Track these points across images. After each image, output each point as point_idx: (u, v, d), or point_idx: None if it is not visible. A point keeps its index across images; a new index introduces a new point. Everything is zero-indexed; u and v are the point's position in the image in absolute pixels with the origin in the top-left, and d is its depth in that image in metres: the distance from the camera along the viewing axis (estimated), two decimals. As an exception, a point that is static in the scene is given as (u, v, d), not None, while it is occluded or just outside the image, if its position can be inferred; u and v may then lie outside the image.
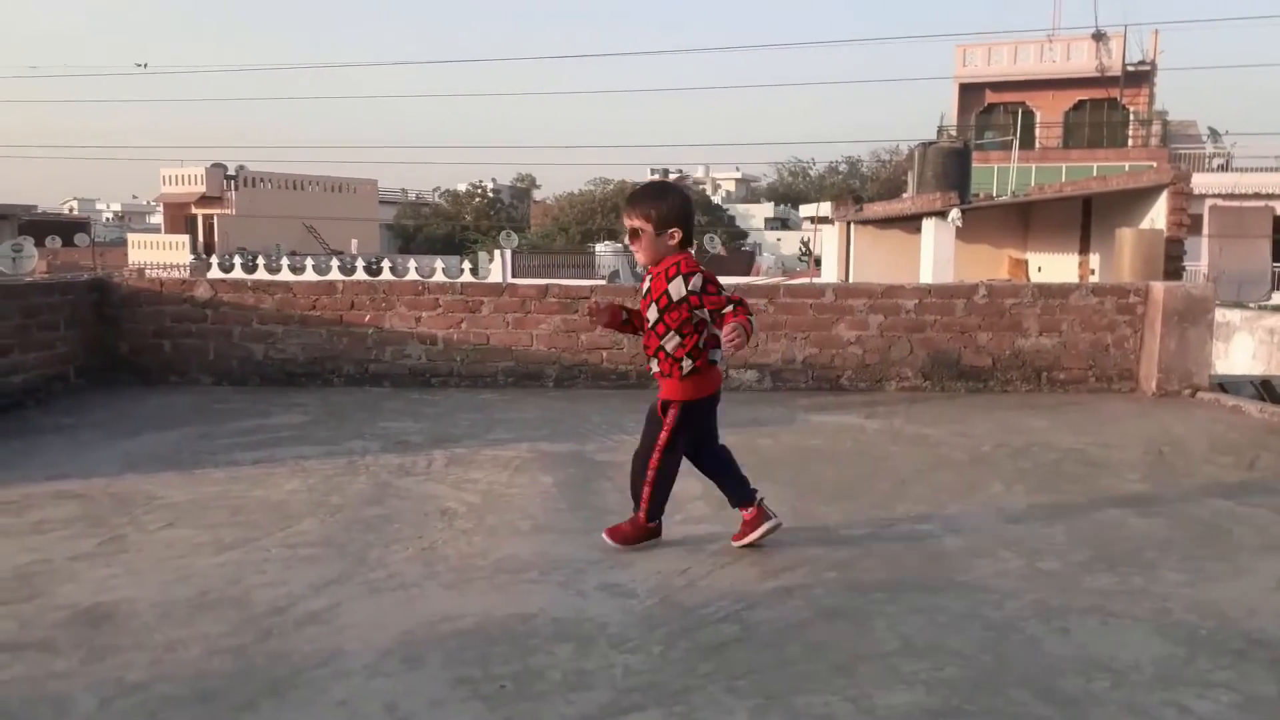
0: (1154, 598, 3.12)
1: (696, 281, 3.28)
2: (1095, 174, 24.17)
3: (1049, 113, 38.04)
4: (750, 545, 3.52)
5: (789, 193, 74.96)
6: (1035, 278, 17.97)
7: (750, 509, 3.53)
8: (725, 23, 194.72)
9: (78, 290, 6.90)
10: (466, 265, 35.10)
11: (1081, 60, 37.31)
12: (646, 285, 3.41)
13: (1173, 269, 12.71)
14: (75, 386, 6.71)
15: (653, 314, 3.38)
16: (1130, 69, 37.13)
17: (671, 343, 3.36)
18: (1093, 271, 16.67)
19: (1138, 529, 3.86)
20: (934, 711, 2.38)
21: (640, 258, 3.41)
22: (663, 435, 3.42)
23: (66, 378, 6.66)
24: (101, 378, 6.95)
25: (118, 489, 4.27)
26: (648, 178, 77.78)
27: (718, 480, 3.62)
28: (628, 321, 3.53)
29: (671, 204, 3.35)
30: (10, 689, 2.46)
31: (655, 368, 3.44)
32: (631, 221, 3.36)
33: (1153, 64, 37.40)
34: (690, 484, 4.42)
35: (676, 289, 3.30)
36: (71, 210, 68.45)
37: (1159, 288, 7.17)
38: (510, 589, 3.17)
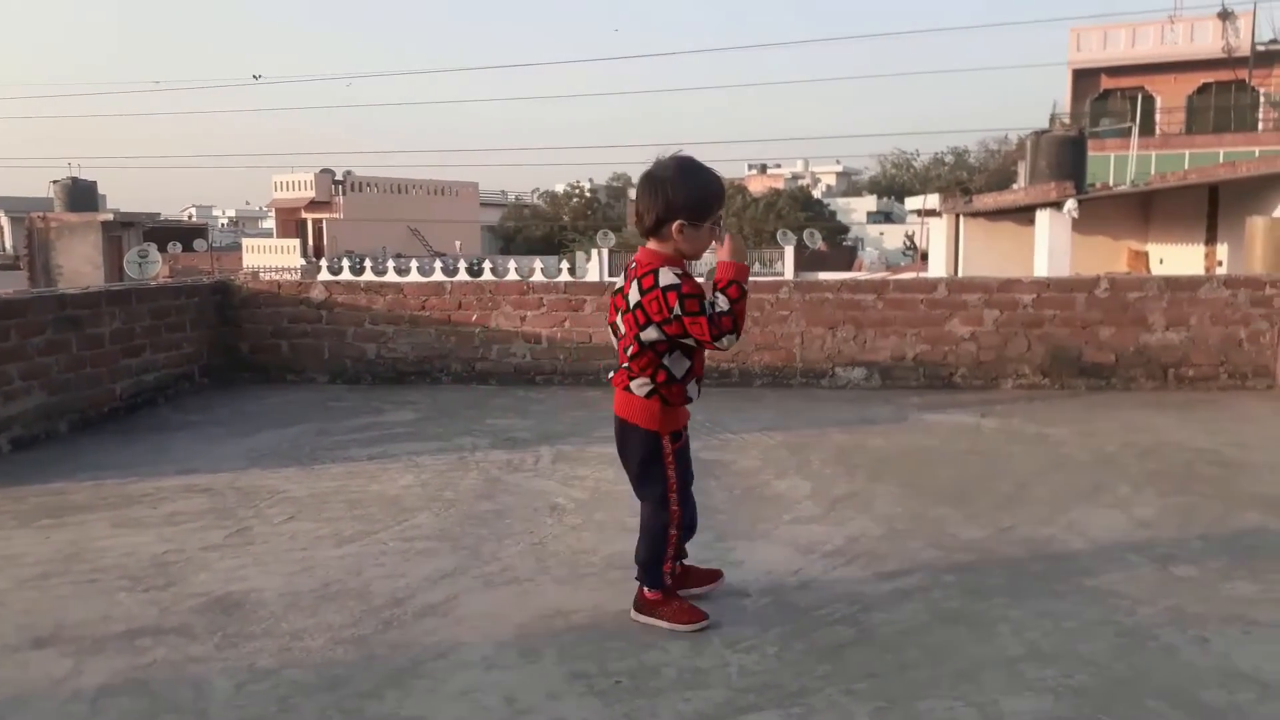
0: (1303, 608, 2.93)
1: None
2: (1222, 160, 22.90)
3: (1170, 97, 36.22)
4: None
5: (892, 185, 73.49)
6: (1157, 270, 17.19)
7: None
8: (820, 12, 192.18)
9: (202, 293, 7.23)
10: (564, 265, 35.47)
11: (1206, 41, 35.40)
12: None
13: (1310, 259, 11.93)
14: (200, 385, 7.03)
15: None
16: (1260, 49, 35.03)
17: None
18: (1220, 263, 15.85)
19: (1281, 534, 3.64)
20: (1066, 721, 2.29)
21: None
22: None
23: (192, 376, 6.98)
24: (224, 376, 7.27)
25: (243, 483, 4.45)
26: (745, 174, 77.44)
27: None
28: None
29: None
30: (153, 671, 2.59)
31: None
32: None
33: (1285, 42, 35.25)
34: (798, 483, 4.38)
35: None
36: (190, 217, 71.57)
37: (1298, 279, 6.73)
38: (621, 585, 3.16)
